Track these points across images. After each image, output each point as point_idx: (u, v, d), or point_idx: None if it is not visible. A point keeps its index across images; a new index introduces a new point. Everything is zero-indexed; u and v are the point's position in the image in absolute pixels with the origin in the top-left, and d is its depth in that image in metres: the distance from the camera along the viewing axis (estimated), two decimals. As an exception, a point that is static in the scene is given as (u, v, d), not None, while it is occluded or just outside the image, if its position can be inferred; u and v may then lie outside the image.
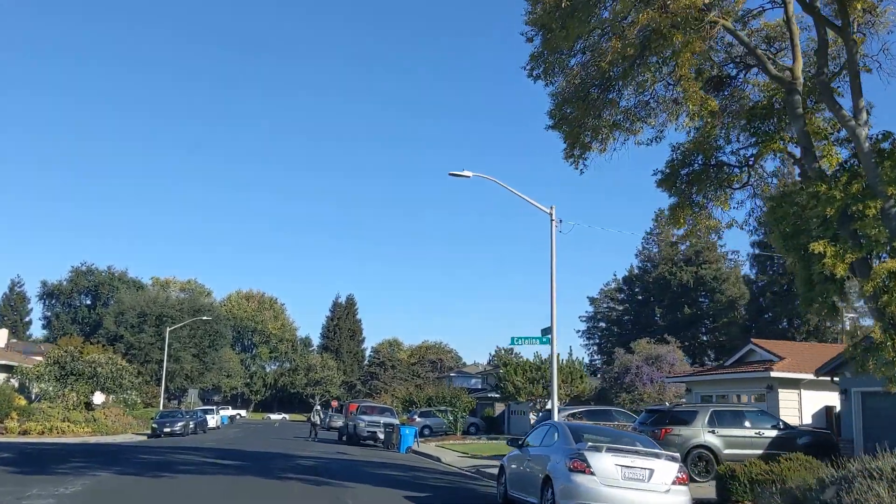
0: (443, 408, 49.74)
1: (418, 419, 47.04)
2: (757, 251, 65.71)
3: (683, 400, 37.27)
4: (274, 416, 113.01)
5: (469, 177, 22.29)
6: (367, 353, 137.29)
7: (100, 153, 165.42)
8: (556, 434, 13.58)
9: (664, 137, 16.65)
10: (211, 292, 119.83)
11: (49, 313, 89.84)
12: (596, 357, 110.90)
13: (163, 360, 77.45)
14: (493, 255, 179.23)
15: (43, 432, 34.82)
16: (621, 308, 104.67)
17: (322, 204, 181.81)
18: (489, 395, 58.98)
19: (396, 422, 35.69)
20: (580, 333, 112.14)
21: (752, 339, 33.54)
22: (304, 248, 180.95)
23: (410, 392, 63.07)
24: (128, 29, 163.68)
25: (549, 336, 22.20)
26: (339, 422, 64.58)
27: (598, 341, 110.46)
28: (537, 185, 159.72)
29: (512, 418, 54.47)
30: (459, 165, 45.83)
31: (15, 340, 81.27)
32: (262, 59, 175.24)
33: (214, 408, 63.16)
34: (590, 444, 12.23)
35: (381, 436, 35.30)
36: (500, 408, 57.94)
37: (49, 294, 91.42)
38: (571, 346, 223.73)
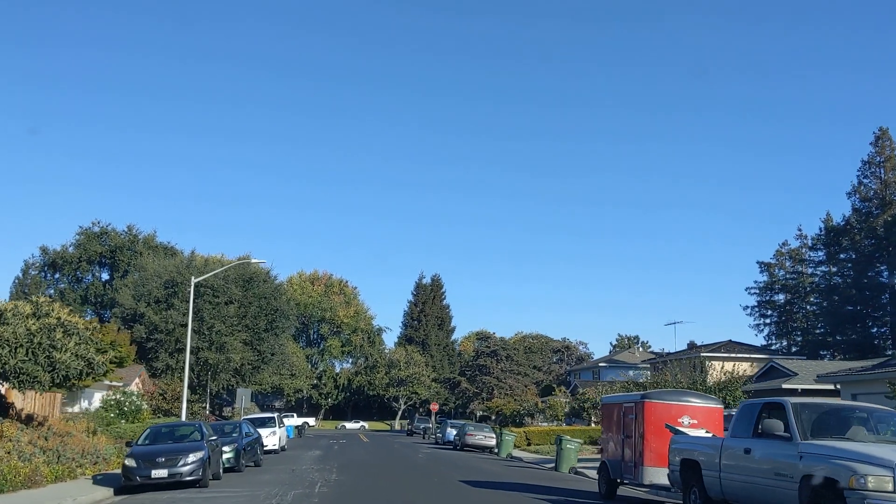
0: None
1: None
2: None
3: None
4: (349, 425, 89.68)
5: None
6: (457, 345, 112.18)
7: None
8: None
9: None
10: (269, 272, 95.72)
11: (52, 291, 66.03)
12: (773, 339, 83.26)
13: (200, 348, 53.33)
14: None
15: None
16: (819, 272, 76.50)
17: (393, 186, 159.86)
18: (782, 388, 32.40)
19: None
20: (748, 310, 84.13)
21: None
22: (375, 223, 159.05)
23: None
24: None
25: None
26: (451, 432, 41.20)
27: (776, 318, 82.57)
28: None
29: None
30: None
31: None
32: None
33: (275, 416, 38.50)
34: None
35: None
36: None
37: (51, 265, 67.83)
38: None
